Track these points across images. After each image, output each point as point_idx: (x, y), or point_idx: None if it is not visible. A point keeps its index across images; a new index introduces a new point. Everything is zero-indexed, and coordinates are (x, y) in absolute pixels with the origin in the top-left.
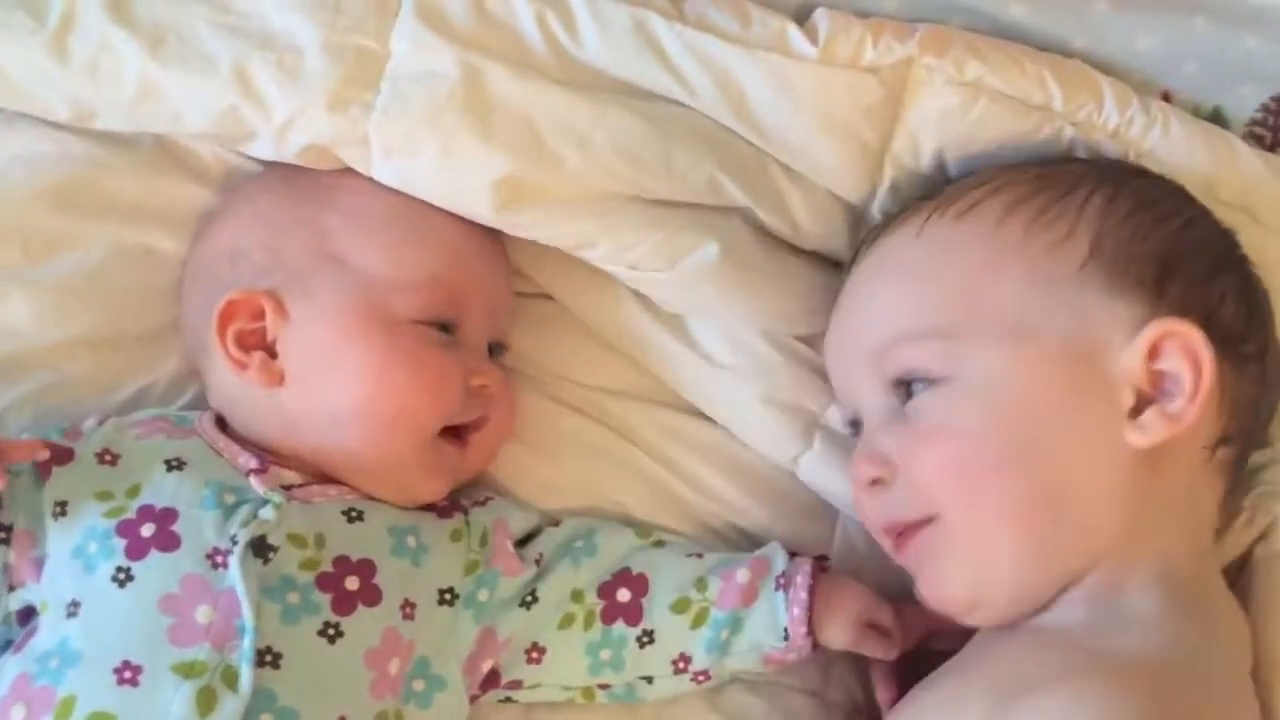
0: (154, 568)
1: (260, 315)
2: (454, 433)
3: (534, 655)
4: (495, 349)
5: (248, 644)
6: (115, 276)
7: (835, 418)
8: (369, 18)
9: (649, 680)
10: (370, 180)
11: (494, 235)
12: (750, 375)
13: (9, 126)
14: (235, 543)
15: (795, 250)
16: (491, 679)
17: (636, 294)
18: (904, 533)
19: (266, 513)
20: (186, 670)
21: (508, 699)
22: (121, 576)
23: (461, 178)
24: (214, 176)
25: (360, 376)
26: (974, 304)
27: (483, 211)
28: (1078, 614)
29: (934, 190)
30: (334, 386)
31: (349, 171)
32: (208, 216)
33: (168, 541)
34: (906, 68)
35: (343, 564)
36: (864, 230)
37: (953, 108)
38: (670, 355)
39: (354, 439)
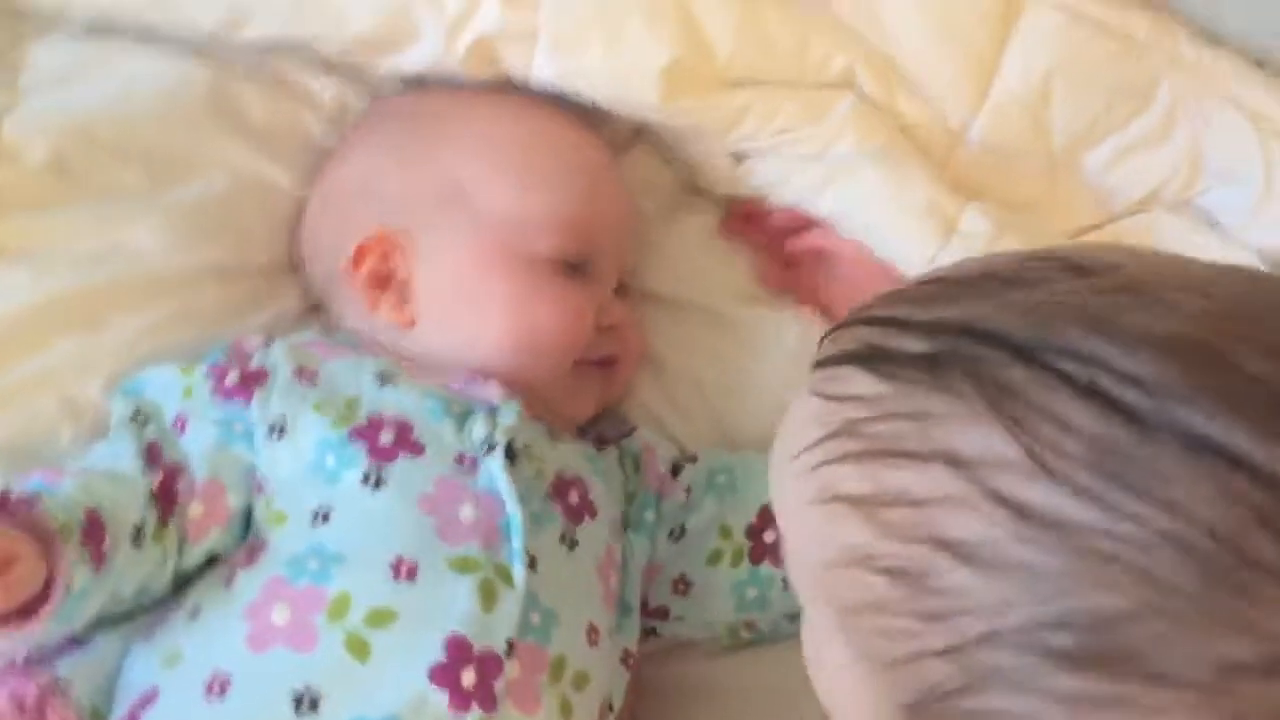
0: (405, 470)
1: (391, 256)
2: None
3: (680, 587)
4: (619, 288)
5: (518, 542)
6: (238, 206)
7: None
8: None
9: (791, 619)
10: (499, 108)
11: (616, 168)
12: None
13: (131, 48)
14: (489, 446)
15: None
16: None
17: None
18: None
19: (509, 418)
20: (462, 565)
21: (652, 630)
22: (373, 479)
23: (630, 67)
24: (329, 113)
25: (498, 316)
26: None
27: (650, 99)
28: None
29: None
30: (470, 326)
31: (476, 99)
32: (328, 150)
33: (413, 448)
34: None
35: (561, 478)
36: None
37: (1059, 25)
38: None
39: (493, 371)
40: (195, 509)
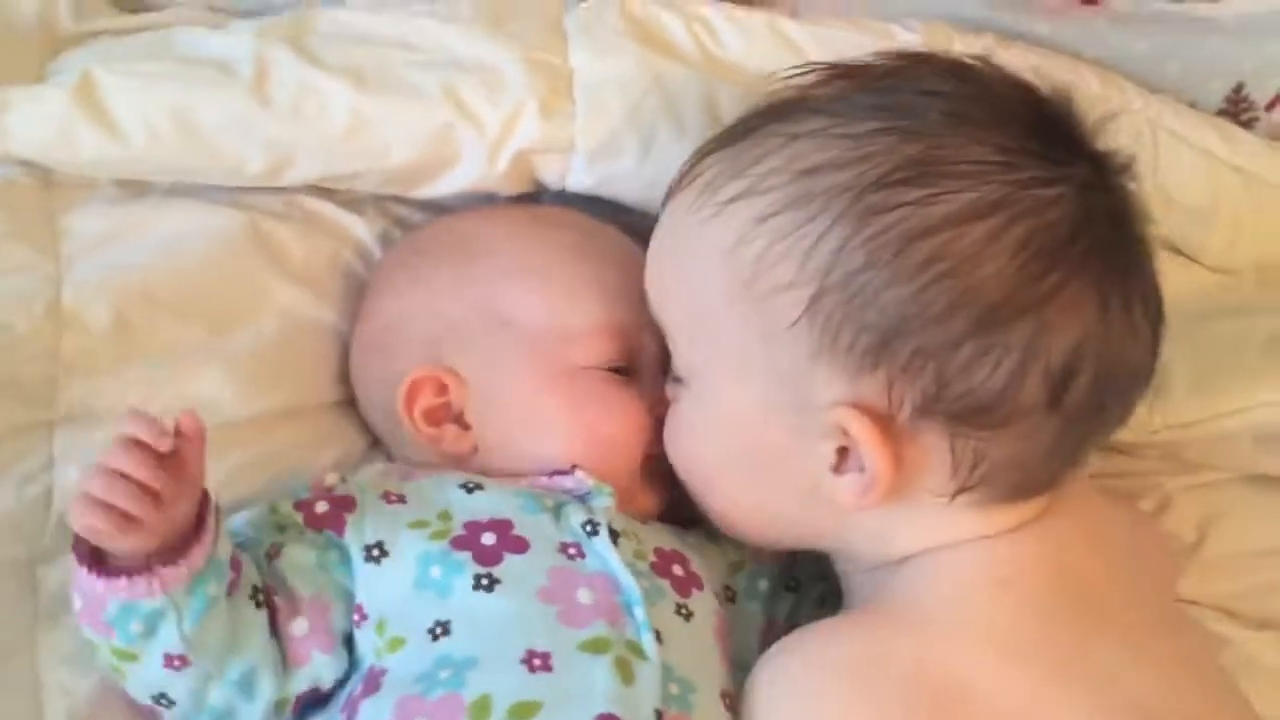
0: (514, 569)
1: (443, 389)
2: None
3: None
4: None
5: (641, 614)
6: (292, 348)
7: None
8: (546, 40)
9: None
10: (523, 224)
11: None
12: None
13: (166, 203)
14: (591, 532)
15: None
16: None
17: None
18: None
19: (604, 501)
20: (594, 646)
21: None
22: (485, 581)
23: (664, 170)
24: (364, 247)
25: (557, 431)
26: (705, 327)
27: None
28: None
29: (743, 122)
30: (531, 444)
31: (500, 217)
32: (365, 288)
33: (516, 545)
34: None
35: (661, 554)
36: None
37: None
38: None
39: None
40: (299, 625)
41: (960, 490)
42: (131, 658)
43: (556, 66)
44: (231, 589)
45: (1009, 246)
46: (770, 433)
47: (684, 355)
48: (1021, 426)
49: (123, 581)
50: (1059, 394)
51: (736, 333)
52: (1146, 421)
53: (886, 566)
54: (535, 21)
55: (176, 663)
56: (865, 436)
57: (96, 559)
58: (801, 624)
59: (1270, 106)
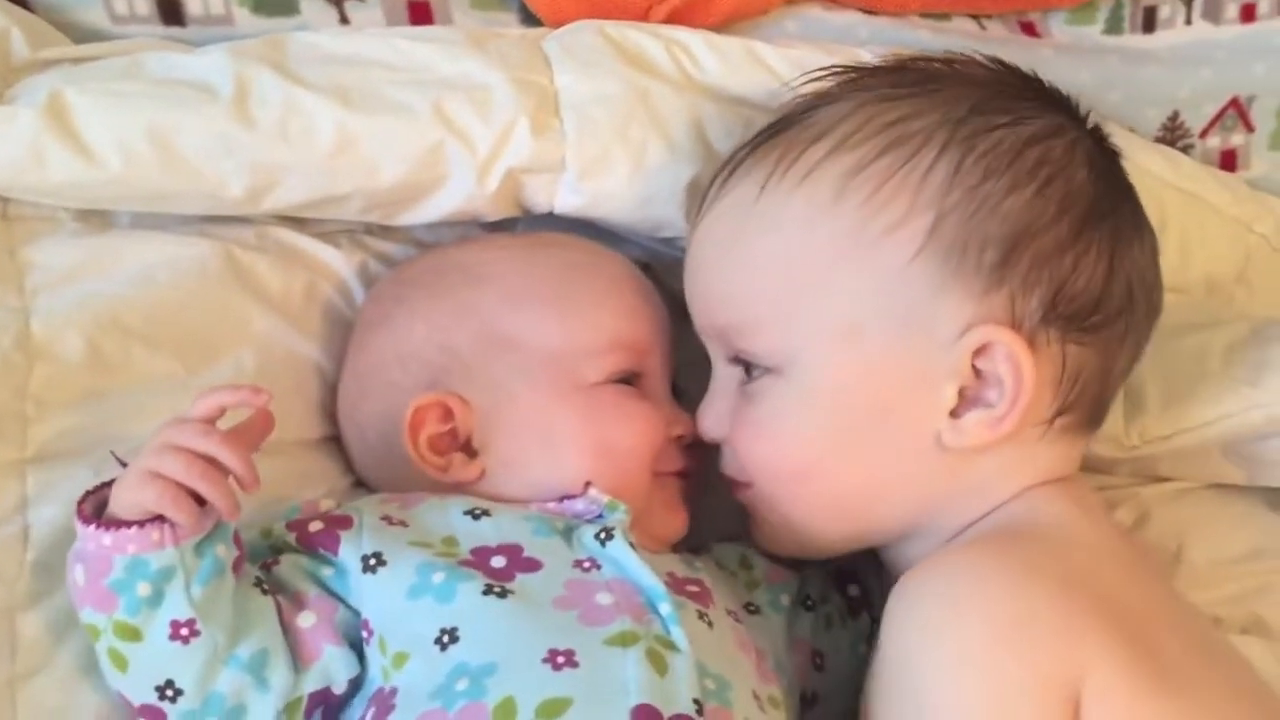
0: (528, 584)
1: (448, 415)
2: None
3: (818, 661)
4: (675, 394)
5: (668, 609)
6: (273, 381)
7: None
8: (529, 60)
9: None
10: (518, 248)
11: (647, 280)
12: None
13: (133, 235)
14: (605, 539)
15: None
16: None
17: None
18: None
19: (619, 516)
20: (621, 640)
21: None
22: (498, 589)
23: (655, 187)
24: (342, 280)
25: (571, 446)
26: (805, 298)
27: (676, 218)
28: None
29: (787, 114)
30: (543, 464)
31: (493, 243)
32: (347, 319)
33: (529, 565)
34: None
35: (673, 577)
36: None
37: None
38: None
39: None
40: (306, 618)
41: (1061, 411)
42: (135, 635)
43: (543, 86)
44: (237, 567)
45: (1084, 158)
46: (887, 390)
47: (777, 340)
48: (1109, 334)
49: (132, 531)
50: (1132, 299)
51: (844, 291)
52: (1124, 437)
53: (966, 529)
54: (516, 43)
55: (184, 631)
56: (1010, 346)
57: (99, 515)
58: (822, 644)
59: (1204, 133)
